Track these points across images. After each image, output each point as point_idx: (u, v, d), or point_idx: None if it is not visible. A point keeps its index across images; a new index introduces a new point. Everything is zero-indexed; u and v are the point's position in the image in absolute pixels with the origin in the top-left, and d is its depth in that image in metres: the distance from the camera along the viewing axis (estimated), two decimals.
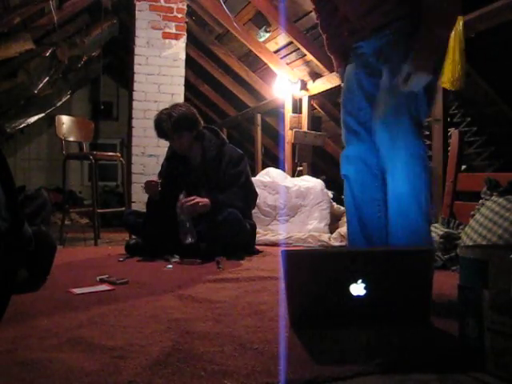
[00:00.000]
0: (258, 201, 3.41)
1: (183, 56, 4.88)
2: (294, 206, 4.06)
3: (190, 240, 2.50)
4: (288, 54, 5.34)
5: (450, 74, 2.88)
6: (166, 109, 3.01)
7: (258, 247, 3.11)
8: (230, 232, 2.74)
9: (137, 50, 4.73)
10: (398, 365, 1.05)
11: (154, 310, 1.54)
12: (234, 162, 2.98)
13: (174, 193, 2.89)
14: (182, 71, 4.88)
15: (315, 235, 3.67)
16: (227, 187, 2.90)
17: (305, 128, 5.29)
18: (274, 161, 6.91)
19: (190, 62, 5.59)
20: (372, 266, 1.34)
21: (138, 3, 4.73)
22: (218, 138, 3.07)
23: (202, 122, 3.02)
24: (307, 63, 5.19)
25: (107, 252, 3.11)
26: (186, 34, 4.90)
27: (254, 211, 3.28)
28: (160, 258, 2.69)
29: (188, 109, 2.99)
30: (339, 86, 4.75)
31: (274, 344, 1.18)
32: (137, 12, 4.73)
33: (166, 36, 4.81)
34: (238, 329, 1.31)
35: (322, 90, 5.07)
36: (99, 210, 4.19)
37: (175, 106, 3.03)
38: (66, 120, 4.12)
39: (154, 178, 3.11)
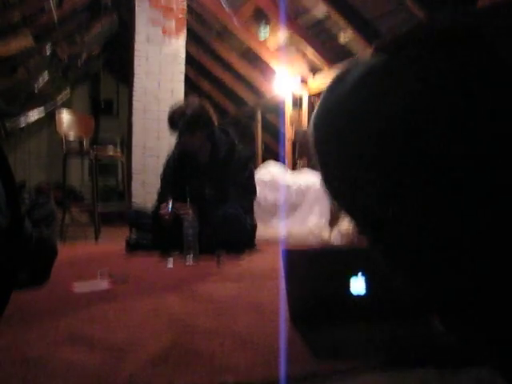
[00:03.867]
0: (258, 198, 3.41)
1: (183, 53, 4.87)
2: (294, 204, 4.06)
3: (189, 263, 2.50)
4: (288, 51, 5.33)
5: None
6: (181, 104, 2.99)
7: (258, 244, 3.11)
8: (230, 229, 2.74)
9: (137, 47, 4.72)
10: (398, 362, 1.05)
11: (155, 306, 1.54)
12: (244, 161, 2.98)
13: (179, 190, 2.90)
14: (182, 68, 4.87)
15: (315, 232, 3.67)
16: (231, 186, 2.90)
17: (305, 124, 5.29)
18: (274, 158, 6.91)
19: (190, 58, 5.59)
20: (372, 262, 1.34)
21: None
22: (229, 138, 3.06)
23: (215, 122, 2.99)
24: (307, 59, 5.19)
25: (108, 249, 3.11)
26: (186, 30, 4.89)
27: (254, 208, 3.28)
28: (162, 255, 2.69)
29: (203, 107, 2.94)
30: None
31: (274, 340, 1.18)
32: (136, 9, 4.73)
33: (166, 32, 4.80)
34: (238, 325, 1.32)
35: (322, 85, 5.07)
36: (99, 208, 4.19)
37: (190, 103, 2.98)
38: (66, 116, 4.12)
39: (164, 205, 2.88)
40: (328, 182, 0.50)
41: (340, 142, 0.45)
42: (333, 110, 0.46)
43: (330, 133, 0.47)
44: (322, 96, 0.49)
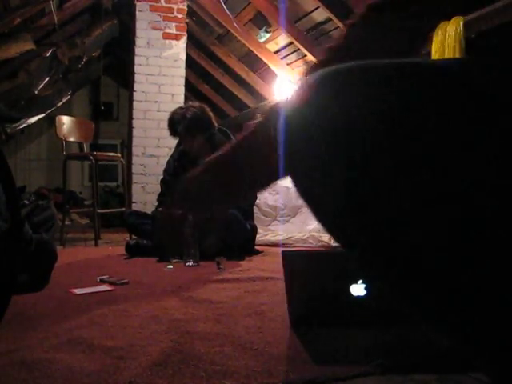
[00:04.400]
0: (258, 201, 3.42)
1: (183, 56, 4.88)
2: (294, 207, 4.06)
3: (191, 264, 2.51)
4: (288, 55, 5.34)
5: None
6: (181, 108, 3.00)
7: (258, 247, 3.11)
8: (230, 233, 2.74)
9: (137, 51, 4.74)
10: (398, 365, 1.05)
11: (155, 310, 1.54)
12: None
13: None
14: (183, 71, 4.88)
15: (315, 235, 3.67)
16: None
17: None
18: None
19: (190, 62, 5.60)
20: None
21: (138, 3, 4.74)
22: (229, 140, 3.08)
23: (215, 124, 3.01)
24: (307, 63, 5.20)
25: (107, 252, 3.11)
26: (186, 34, 4.90)
27: (254, 211, 3.28)
28: (162, 259, 2.69)
29: (202, 111, 2.96)
30: None
31: (274, 344, 1.18)
32: (137, 12, 4.74)
33: (167, 36, 4.82)
34: (238, 329, 1.31)
35: None
36: (99, 211, 4.19)
37: (190, 106, 3.00)
38: (66, 120, 4.13)
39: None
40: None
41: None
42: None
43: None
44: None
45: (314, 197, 0.46)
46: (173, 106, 3.65)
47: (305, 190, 0.47)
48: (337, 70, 0.43)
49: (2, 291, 1.28)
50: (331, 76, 0.43)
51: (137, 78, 4.73)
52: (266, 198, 4.09)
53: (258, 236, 3.22)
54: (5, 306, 1.29)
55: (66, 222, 4.15)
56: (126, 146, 5.94)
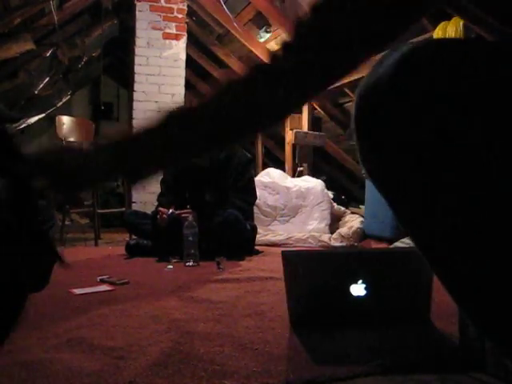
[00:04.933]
0: (258, 201, 3.42)
1: (184, 56, 4.88)
2: (294, 207, 4.05)
3: (191, 264, 2.51)
4: None
5: None
6: None
7: (258, 247, 3.11)
8: (230, 232, 2.74)
9: (137, 51, 4.73)
10: (398, 365, 1.05)
11: (155, 310, 1.54)
12: (243, 165, 2.99)
13: (180, 193, 2.90)
14: (183, 72, 4.88)
15: (315, 236, 3.66)
16: (230, 190, 2.91)
17: (305, 128, 5.29)
18: (274, 161, 6.90)
19: (190, 62, 5.59)
20: (372, 266, 1.34)
21: (138, 4, 4.74)
22: None
23: None
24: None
25: (107, 252, 3.11)
26: (186, 34, 4.90)
27: (254, 211, 3.28)
28: (162, 259, 2.68)
29: None
30: (339, 86, 4.78)
31: (274, 344, 1.18)
32: (137, 12, 4.74)
33: (167, 36, 4.81)
34: (238, 329, 1.31)
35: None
36: (99, 211, 4.19)
37: None
38: (66, 120, 4.13)
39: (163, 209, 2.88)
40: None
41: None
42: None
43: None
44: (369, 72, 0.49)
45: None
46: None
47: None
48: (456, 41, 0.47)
49: (14, 293, 1.28)
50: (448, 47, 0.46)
51: (137, 78, 4.72)
52: (266, 198, 4.08)
53: (258, 236, 3.21)
54: (19, 308, 1.29)
55: (66, 222, 4.15)
56: None
